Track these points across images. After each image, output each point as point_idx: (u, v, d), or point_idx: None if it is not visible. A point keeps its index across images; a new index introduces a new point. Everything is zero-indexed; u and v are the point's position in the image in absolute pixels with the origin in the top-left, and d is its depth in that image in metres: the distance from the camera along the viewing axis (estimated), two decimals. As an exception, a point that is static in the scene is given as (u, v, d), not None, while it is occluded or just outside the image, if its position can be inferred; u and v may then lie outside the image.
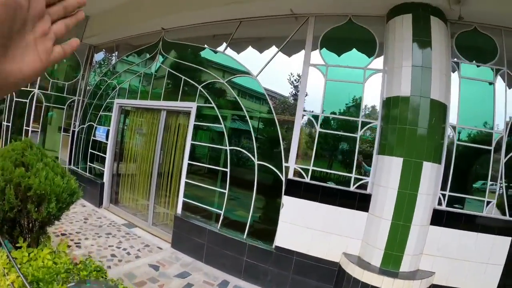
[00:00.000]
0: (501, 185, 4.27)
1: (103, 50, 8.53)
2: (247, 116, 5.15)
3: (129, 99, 7.00)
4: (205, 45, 5.93)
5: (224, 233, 5.13)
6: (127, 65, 7.50)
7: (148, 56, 6.86)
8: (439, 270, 4.19)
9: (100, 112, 7.66)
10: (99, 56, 8.72)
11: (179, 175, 5.80)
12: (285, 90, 5.18)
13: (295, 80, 5.06)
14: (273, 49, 5.21)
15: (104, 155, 7.30)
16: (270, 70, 5.15)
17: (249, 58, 5.37)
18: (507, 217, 4.25)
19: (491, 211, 4.25)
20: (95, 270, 3.40)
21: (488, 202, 4.25)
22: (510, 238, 4.19)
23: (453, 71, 4.38)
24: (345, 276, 4.16)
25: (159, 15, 6.15)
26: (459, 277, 4.19)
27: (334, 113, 4.73)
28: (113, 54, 8.16)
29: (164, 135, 6.24)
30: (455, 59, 4.40)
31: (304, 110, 4.77)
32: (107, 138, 7.24)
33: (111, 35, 7.71)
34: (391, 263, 4.02)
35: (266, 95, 5.04)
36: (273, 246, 4.78)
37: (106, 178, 7.27)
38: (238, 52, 5.54)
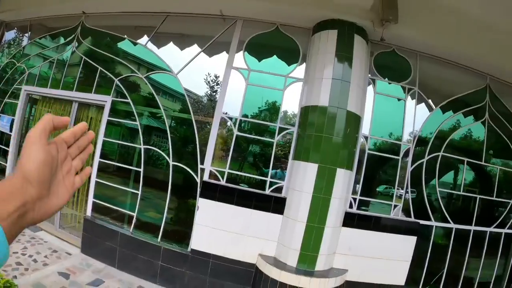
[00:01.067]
0: (407, 190, 4.70)
1: (15, 28, 7.78)
2: (164, 115, 5.05)
3: (39, 87, 6.48)
4: (126, 36, 5.69)
5: (138, 237, 4.99)
6: (39, 48, 6.92)
7: (63, 40, 6.41)
8: (351, 267, 4.57)
9: (5, 99, 7.00)
10: (9, 35, 7.93)
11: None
12: (205, 91, 5.17)
13: (214, 81, 5.07)
14: (195, 47, 5.20)
15: (7, 148, 6.69)
16: (191, 69, 5.11)
17: (169, 54, 5.27)
18: (412, 219, 4.76)
19: (398, 214, 4.67)
20: (5, 286, 3.00)
21: (395, 206, 4.65)
22: (415, 237, 4.75)
23: (370, 86, 4.73)
24: (262, 277, 4.31)
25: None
26: (370, 273, 4.63)
27: (252, 117, 4.83)
28: (26, 35, 7.48)
29: (75, 129, 5.86)
30: (373, 75, 4.80)
31: (225, 113, 4.80)
32: (11, 129, 6.65)
33: (26, 12, 7.03)
34: (306, 263, 4.26)
35: (185, 95, 4.99)
36: (189, 249, 4.76)
37: (8, 175, 6.66)
38: (159, 47, 5.42)
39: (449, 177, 5.48)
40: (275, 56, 4.95)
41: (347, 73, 4.32)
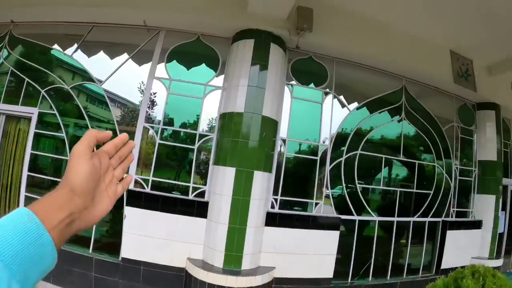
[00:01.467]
0: (328, 188, 5.03)
1: None
2: (89, 125, 5.12)
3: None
4: (54, 45, 5.71)
5: (70, 249, 5.03)
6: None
7: (-10, 50, 6.31)
8: (279, 264, 4.81)
9: None
10: None
11: (19, 188, 5.50)
12: (135, 100, 5.28)
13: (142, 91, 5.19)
14: (125, 56, 5.28)
15: None
16: (121, 78, 5.20)
17: (99, 64, 5.33)
18: (334, 215, 5.09)
19: (319, 211, 4.97)
20: None
21: (317, 203, 4.96)
22: (338, 231, 5.08)
23: (289, 91, 5.03)
24: (192, 280, 4.49)
25: (9, 5, 5.72)
26: (297, 268, 4.92)
27: (174, 125, 5.00)
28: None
29: (2, 142, 5.83)
30: (290, 81, 5.11)
31: (151, 121, 4.93)
32: None
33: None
34: (232, 263, 4.47)
35: (109, 104, 5.08)
36: (120, 258, 4.86)
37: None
38: (89, 56, 5.46)
39: (374, 173, 5.86)
40: (199, 66, 5.15)
41: (262, 80, 4.57)
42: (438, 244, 6.33)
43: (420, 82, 6.22)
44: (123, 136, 0.76)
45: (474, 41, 6.12)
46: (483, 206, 6.95)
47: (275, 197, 4.88)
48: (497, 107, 7.21)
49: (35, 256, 0.52)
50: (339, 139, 5.33)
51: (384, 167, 5.84)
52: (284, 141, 4.98)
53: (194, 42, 5.10)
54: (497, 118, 7.18)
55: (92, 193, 0.65)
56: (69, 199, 0.61)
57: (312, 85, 5.29)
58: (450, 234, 6.29)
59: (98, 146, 0.69)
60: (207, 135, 4.86)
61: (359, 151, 5.40)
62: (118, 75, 5.21)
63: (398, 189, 5.88)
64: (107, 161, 0.72)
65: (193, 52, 5.14)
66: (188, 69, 5.10)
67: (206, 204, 4.70)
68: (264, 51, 4.68)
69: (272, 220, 4.79)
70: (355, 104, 5.64)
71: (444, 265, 6.29)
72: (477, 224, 6.88)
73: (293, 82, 5.15)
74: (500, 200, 7.12)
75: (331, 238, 5.10)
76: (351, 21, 5.17)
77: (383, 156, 5.64)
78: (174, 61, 5.10)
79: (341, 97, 5.47)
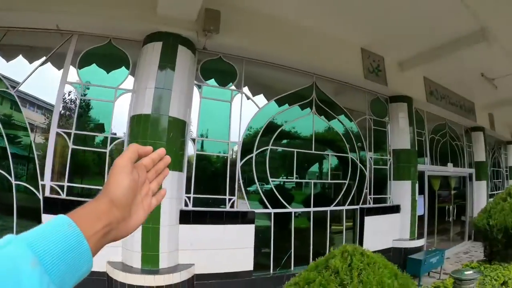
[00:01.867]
0: (240, 183, 5.32)
1: None
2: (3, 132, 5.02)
3: None
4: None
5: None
6: None
7: None
8: (197, 261, 4.98)
9: None
10: None
11: None
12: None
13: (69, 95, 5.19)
14: (43, 60, 5.23)
15: None
16: (44, 82, 5.14)
17: (19, 68, 5.22)
18: (249, 209, 5.40)
19: (233, 206, 5.24)
20: None
21: (230, 199, 5.22)
22: (254, 225, 5.35)
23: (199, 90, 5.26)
24: (112, 283, 4.56)
25: None
26: (217, 263, 5.10)
27: (87, 129, 5.07)
28: None
29: None
30: (199, 82, 5.34)
31: (67, 127, 4.96)
32: None
33: None
34: (150, 263, 4.60)
35: (22, 111, 5.02)
36: (40, 266, 4.82)
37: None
38: (8, 60, 5.35)
39: (286, 166, 6.21)
40: (111, 69, 5.23)
41: (169, 82, 4.76)
42: (358, 230, 6.81)
43: (331, 79, 6.67)
44: (161, 151, 0.80)
45: (385, 39, 6.66)
46: (400, 191, 7.56)
47: (188, 195, 5.07)
48: (409, 99, 7.86)
49: (73, 263, 0.55)
50: (250, 136, 5.63)
51: (301, 161, 6.23)
52: (194, 140, 5.20)
53: (106, 45, 5.17)
54: (409, 110, 7.85)
55: (130, 206, 0.70)
56: (108, 210, 0.64)
57: (221, 84, 5.55)
58: (369, 220, 6.80)
59: None
60: (118, 138, 4.97)
61: (269, 147, 5.71)
62: (40, 80, 5.15)
63: (313, 181, 6.28)
64: (145, 174, 0.76)
65: (105, 55, 5.22)
66: (100, 73, 5.17)
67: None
68: (171, 53, 4.85)
69: (186, 218, 4.96)
70: (266, 102, 5.94)
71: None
72: (395, 209, 7.47)
73: (202, 83, 5.37)
74: (417, 185, 7.77)
75: (247, 232, 5.36)
76: (260, 22, 5.46)
77: (295, 150, 5.99)
78: (87, 65, 5.15)
79: (251, 95, 5.77)
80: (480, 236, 4.81)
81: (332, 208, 6.32)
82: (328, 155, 6.49)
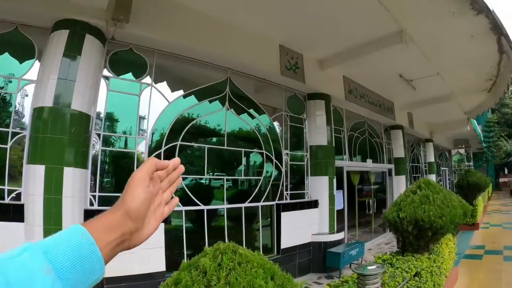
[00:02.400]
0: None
1: None
2: None
3: None
4: None
5: None
6: None
7: None
8: (107, 264, 4.69)
9: None
10: None
11: None
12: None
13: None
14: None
15: None
16: None
17: None
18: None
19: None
20: None
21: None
22: (163, 223, 5.10)
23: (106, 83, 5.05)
24: None
25: None
26: (127, 266, 4.87)
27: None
28: None
29: None
30: (107, 74, 5.11)
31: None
32: None
33: None
34: (54, 268, 4.29)
35: None
36: None
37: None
38: None
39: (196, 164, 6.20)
40: (16, 58, 4.83)
41: (73, 73, 4.53)
42: (275, 226, 6.98)
43: (247, 74, 6.79)
44: (176, 161, 0.83)
45: (305, 36, 6.90)
46: (318, 187, 7.90)
47: (93, 194, 4.89)
48: (327, 97, 8.21)
49: (85, 271, 0.58)
50: (158, 131, 5.54)
51: (215, 158, 6.25)
52: (99, 135, 4.99)
53: (12, 32, 4.77)
54: (327, 107, 8.21)
55: (145, 217, 0.73)
56: (123, 222, 0.68)
57: (131, 77, 5.39)
58: (286, 216, 7.01)
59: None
60: (20, 132, 4.63)
61: (179, 142, 5.65)
62: None
63: (225, 177, 6.33)
64: (158, 184, 0.79)
65: (12, 43, 4.83)
66: (5, 62, 4.77)
67: (22, 207, 4.49)
68: (78, 42, 4.62)
69: (90, 218, 4.73)
70: (177, 96, 5.86)
71: (284, 245, 6.96)
72: (313, 204, 7.77)
73: (110, 75, 5.18)
74: (334, 181, 8.14)
75: (158, 230, 5.21)
76: (174, 13, 5.37)
77: (205, 146, 6.00)
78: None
79: (162, 89, 5.66)
80: (392, 229, 4.98)
81: (246, 204, 6.42)
82: (241, 151, 6.53)
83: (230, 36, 6.04)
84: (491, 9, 5.87)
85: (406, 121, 14.00)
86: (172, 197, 0.85)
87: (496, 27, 6.48)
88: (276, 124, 7.47)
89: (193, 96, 6.02)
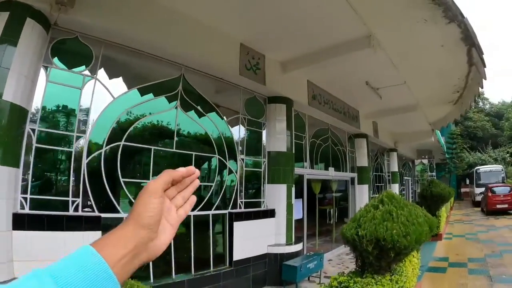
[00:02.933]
0: (86, 183, 4.72)
1: None
2: None
3: None
4: None
5: None
6: None
7: None
8: None
9: None
10: None
11: None
12: None
13: None
14: None
15: None
16: None
17: None
18: (96, 213, 4.85)
19: (77, 209, 4.62)
20: None
21: (74, 201, 4.60)
22: (100, 231, 4.71)
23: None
24: None
25: None
26: None
27: None
28: None
29: None
30: (48, 63, 4.66)
31: None
32: None
33: None
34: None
35: None
36: None
37: None
38: None
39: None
40: None
41: (8, 60, 4.04)
42: (227, 237, 6.62)
43: (203, 72, 6.44)
44: (190, 169, 0.83)
45: (268, 37, 6.65)
46: (275, 195, 7.63)
47: (24, 195, 4.38)
48: (289, 101, 7.96)
49: None
50: (101, 128, 5.07)
51: (163, 161, 5.84)
52: (34, 131, 4.47)
53: None
54: (289, 112, 7.96)
55: (157, 227, 0.73)
56: (134, 234, 0.67)
57: (73, 68, 4.92)
58: (239, 225, 6.68)
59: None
60: None
61: (122, 142, 5.24)
62: None
63: None
64: (170, 192, 0.80)
65: None
66: None
67: None
68: (17, 26, 4.14)
69: (21, 223, 4.26)
70: (123, 91, 5.44)
71: (237, 257, 6.62)
72: (270, 213, 7.48)
73: (51, 64, 4.69)
74: (293, 189, 7.88)
75: (92, 239, 4.74)
76: (128, 2, 4.99)
77: (152, 147, 5.58)
78: None
79: (108, 83, 5.22)
80: (350, 247, 4.58)
81: (196, 213, 6.02)
82: (192, 155, 6.14)
83: (186, 30, 5.70)
84: (465, 18, 5.80)
85: (371, 130, 14.08)
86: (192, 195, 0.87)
87: (468, 37, 6.44)
88: (232, 127, 7.13)
89: (141, 92, 5.62)
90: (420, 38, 6.57)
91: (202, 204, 6.16)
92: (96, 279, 0.57)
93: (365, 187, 13.41)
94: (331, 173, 11.14)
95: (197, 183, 0.86)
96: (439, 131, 22.66)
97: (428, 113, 13.92)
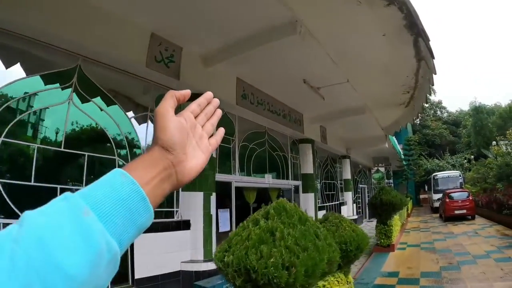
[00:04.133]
0: None
1: None
2: None
3: None
4: None
5: None
6: None
7: None
8: None
9: None
10: None
11: None
12: None
13: None
14: None
15: None
16: None
17: None
18: None
19: None
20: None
21: None
22: None
23: None
24: None
25: None
26: None
27: None
28: None
29: None
30: None
31: None
32: None
33: None
34: None
35: None
36: None
37: None
38: None
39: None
40: None
41: None
42: (128, 251, 6.07)
43: (104, 64, 5.91)
44: (208, 94, 0.87)
45: (183, 26, 6.20)
46: (190, 204, 7.12)
47: None
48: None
49: (130, 212, 0.59)
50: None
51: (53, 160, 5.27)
52: None
53: None
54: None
55: (184, 148, 0.75)
56: (160, 156, 0.70)
57: None
58: (144, 238, 6.10)
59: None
60: None
61: (2, 138, 4.63)
62: None
63: (52, 185, 5.26)
64: (192, 119, 0.82)
65: None
66: None
67: None
68: None
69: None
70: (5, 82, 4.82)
71: (141, 274, 6.10)
72: (183, 225, 6.99)
73: None
74: (213, 197, 7.44)
75: None
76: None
77: (35, 145, 5.02)
78: None
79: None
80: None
81: None
82: (85, 155, 5.58)
83: (85, 17, 5.16)
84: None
85: (318, 135, 13.93)
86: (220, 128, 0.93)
87: (412, 24, 6.03)
88: (140, 125, 6.63)
89: (27, 83, 5.03)
90: (356, 25, 6.25)
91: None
92: (128, 200, 0.59)
93: (311, 195, 13.11)
94: (268, 181, 10.75)
95: (219, 113, 0.90)
96: (394, 138, 23.07)
97: (380, 118, 13.94)
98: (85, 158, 5.56)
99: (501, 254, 9.92)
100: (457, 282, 7.61)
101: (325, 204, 16.27)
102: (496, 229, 15.81)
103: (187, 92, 0.81)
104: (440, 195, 25.84)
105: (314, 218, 5.19)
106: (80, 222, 0.52)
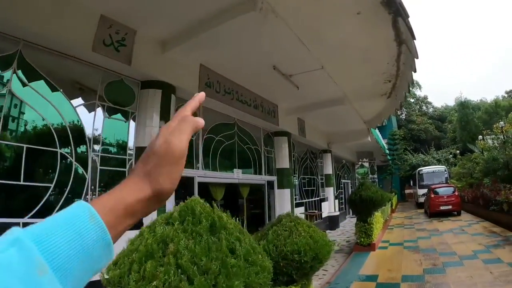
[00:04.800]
0: None
1: None
2: None
3: None
4: None
5: None
6: None
7: None
8: None
9: None
10: None
11: None
12: None
13: None
14: None
15: None
16: None
17: None
18: None
19: None
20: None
21: None
22: None
23: None
24: None
25: None
26: None
27: None
28: None
29: None
30: None
31: None
32: None
33: None
34: None
35: None
36: None
37: None
38: None
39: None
40: None
41: None
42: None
43: (48, 48, 5.57)
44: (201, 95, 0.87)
45: (138, 8, 5.92)
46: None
47: None
48: (169, 87, 7.19)
49: (93, 261, 0.52)
50: None
51: None
52: None
53: None
54: (167, 100, 7.08)
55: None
56: (150, 203, 0.66)
57: None
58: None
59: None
60: None
61: None
62: None
63: None
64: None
65: None
66: None
67: None
68: None
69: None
70: None
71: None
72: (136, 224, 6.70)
73: None
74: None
75: None
76: None
77: None
78: None
79: None
80: None
81: (26, 220, 5.08)
82: (23, 147, 5.22)
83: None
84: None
85: (296, 127, 13.72)
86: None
87: (390, 1, 5.63)
88: (88, 116, 6.27)
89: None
90: (327, 1, 5.87)
91: (35, 210, 5.25)
92: (93, 249, 0.52)
93: (287, 191, 12.84)
94: (238, 176, 10.45)
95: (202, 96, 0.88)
96: (378, 132, 23.07)
97: (361, 110, 13.75)
98: (23, 150, 5.24)
99: (489, 255, 9.75)
100: (441, 287, 7.37)
101: (303, 201, 16.11)
102: (483, 225, 15.87)
103: (201, 96, 0.83)
104: (425, 190, 26.12)
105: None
106: (34, 285, 0.43)
